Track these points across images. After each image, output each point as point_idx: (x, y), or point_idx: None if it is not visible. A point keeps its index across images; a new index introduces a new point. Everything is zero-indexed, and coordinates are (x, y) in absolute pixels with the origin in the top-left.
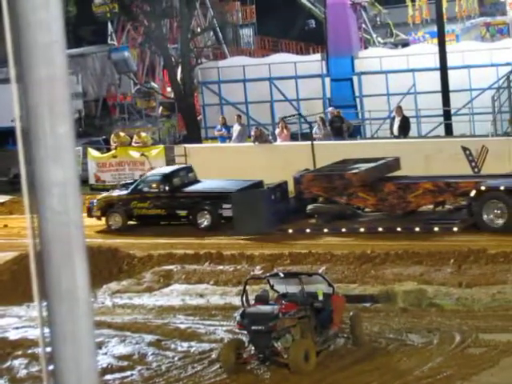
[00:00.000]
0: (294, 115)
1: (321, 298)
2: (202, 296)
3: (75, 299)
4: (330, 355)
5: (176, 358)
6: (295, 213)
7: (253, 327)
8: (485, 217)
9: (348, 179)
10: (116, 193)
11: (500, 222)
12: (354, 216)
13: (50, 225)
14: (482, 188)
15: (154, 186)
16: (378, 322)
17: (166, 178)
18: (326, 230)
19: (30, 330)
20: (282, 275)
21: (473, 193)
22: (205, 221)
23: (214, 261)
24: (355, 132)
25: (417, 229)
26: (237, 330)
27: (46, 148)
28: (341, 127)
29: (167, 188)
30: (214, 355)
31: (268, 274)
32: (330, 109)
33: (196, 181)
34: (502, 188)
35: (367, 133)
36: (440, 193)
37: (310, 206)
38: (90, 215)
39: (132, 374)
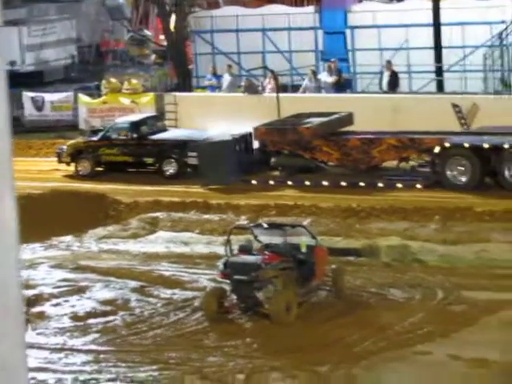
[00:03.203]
0: (259, 67)
1: (304, 249)
2: (186, 244)
3: None
4: (311, 307)
5: (159, 305)
6: (259, 164)
7: (235, 277)
8: (448, 173)
9: (300, 133)
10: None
11: (463, 179)
12: (317, 170)
13: None
14: (446, 145)
15: (123, 133)
16: (360, 276)
17: (135, 125)
18: (289, 183)
19: None
20: (265, 226)
21: (437, 149)
22: (171, 169)
23: (200, 209)
24: (346, 85)
25: (380, 184)
26: (220, 279)
27: None
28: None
29: (135, 135)
30: (196, 303)
31: (252, 225)
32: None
33: (164, 129)
34: (466, 145)
35: (358, 87)
36: (404, 149)
37: (273, 159)
38: (60, 161)
39: (115, 319)
